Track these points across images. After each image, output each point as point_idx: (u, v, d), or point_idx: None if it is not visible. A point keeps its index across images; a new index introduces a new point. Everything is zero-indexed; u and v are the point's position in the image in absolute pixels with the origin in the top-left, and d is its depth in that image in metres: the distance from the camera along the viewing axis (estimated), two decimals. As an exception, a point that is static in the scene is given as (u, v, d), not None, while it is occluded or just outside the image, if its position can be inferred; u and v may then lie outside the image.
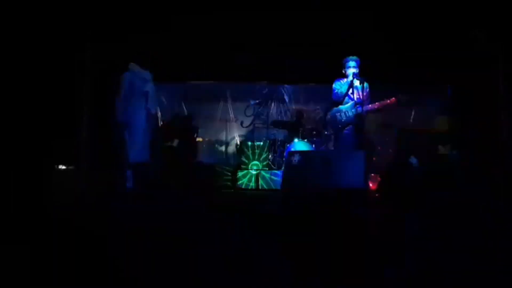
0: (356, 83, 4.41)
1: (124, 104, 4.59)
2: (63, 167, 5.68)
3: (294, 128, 7.08)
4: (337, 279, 1.22)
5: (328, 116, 4.55)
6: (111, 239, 1.85)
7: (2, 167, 4.48)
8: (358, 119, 4.31)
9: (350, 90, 4.43)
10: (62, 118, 5.85)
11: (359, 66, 4.44)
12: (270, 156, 6.80)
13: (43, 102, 5.52)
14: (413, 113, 7.87)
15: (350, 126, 4.36)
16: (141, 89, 4.66)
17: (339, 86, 4.48)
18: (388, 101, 4.35)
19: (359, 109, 4.27)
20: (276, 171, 6.48)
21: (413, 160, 3.41)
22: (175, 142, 6.08)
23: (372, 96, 4.55)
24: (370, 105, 4.38)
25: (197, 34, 6.75)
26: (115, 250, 1.59)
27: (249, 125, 7.91)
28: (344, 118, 4.36)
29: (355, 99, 4.38)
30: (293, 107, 8.01)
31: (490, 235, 2.25)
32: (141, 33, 6.52)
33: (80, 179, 5.79)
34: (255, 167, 6.65)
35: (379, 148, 7.60)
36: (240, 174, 6.57)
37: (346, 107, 4.39)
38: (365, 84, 4.25)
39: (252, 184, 6.47)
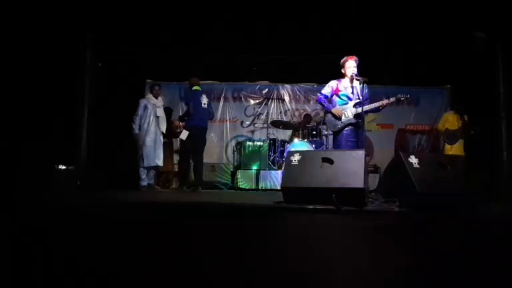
0: (355, 83, 4.41)
1: (139, 121, 6.05)
2: (63, 167, 5.68)
3: (295, 129, 7.09)
4: (337, 279, 1.22)
5: (328, 116, 4.54)
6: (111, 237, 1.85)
7: (2, 167, 4.48)
8: (357, 119, 4.32)
9: (350, 90, 4.43)
10: (62, 118, 5.86)
11: (358, 66, 4.44)
12: (270, 156, 6.80)
13: (44, 102, 5.53)
14: (413, 113, 7.87)
15: (350, 126, 4.36)
16: (153, 113, 6.11)
17: (330, 88, 4.50)
18: (387, 100, 4.35)
19: (358, 109, 4.27)
20: (276, 171, 6.49)
21: (413, 159, 3.41)
22: (183, 135, 6.00)
23: (372, 96, 4.55)
24: (369, 105, 4.37)
25: (197, 34, 6.76)
26: (117, 248, 1.59)
27: (249, 125, 7.92)
28: (344, 118, 4.36)
29: (354, 99, 4.38)
30: (293, 107, 8.00)
31: (489, 234, 2.25)
32: (141, 33, 6.53)
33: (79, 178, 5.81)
34: (255, 167, 6.65)
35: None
36: (240, 174, 6.57)
37: (345, 107, 4.39)
38: (364, 84, 4.25)
39: (252, 184, 6.48)
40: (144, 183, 6.03)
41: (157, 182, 6.59)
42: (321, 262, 1.40)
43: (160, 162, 6.16)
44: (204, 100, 6.09)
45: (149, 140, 6.03)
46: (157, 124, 6.14)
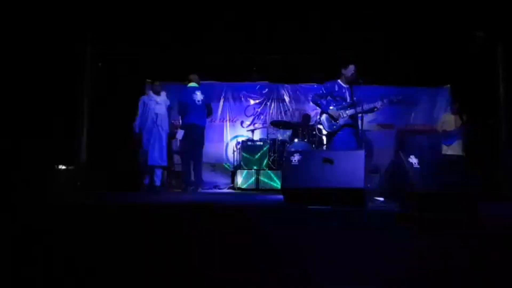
0: (352, 84, 4.45)
1: (139, 120, 5.92)
2: (63, 167, 5.67)
3: (295, 129, 7.08)
4: (337, 279, 1.22)
5: (324, 117, 4.54)
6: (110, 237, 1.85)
7: (2, 167, 4.48)
8: (353, 120, 4.35)
9: (346, 92, 4.46)
10: (62, 118, 5.86)
11: (357, 68, 4.46)
12: (270, 156, 6.79)
13: (43, 102, 5.53)
14: (413, 113, 7.86)
15: (345, 127, 4.37)
16: (153, 110, 5.92)
17: (325, 89, 4.51)
18: (381, 102, 4.37)
19: (355, 110, 4.29)
20: (276, 171, 6.48)
21: (413, 160, 3.41)
22: (179, 134, 5.93)
23: (371, 96, 4.57)
24: (364, 106, 4.38)
25: (197, 34, 6.75)
26: (117, 248, 1.59)
27: (249, 125, 7.91)
28: (340, 119, 4.37)
29: (350, 100, 4.41)
30: (293, 107, 8.00)
31: (489, 235, 2.25)
32: (141, 33, 6.53)
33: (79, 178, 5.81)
34: (255, 167, 6.64)
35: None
36: (240, 174, 6.56)
37: (341, 108, 4.40)
38: (361, 86, 4.29)
39: (252, 184, 6.47)
40: (146, 182, 5.96)
41: (161, 182, 6.50)
42: (320, 262, 1.40)
43: (162, 161, 5.92)
44: (198, 97, 5.77)
45: (147, 139, 5.85)
46: (156, 121, 5.86)
